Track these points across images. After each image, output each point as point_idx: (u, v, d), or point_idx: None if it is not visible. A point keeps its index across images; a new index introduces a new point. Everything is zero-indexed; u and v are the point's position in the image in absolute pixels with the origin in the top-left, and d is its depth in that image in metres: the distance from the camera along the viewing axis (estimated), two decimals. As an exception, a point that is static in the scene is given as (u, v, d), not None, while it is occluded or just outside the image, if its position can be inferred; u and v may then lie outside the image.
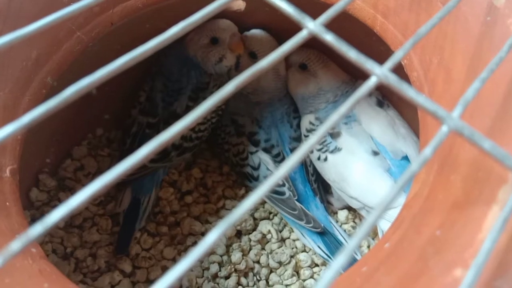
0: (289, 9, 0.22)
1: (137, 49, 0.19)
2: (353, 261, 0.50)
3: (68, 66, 0.43)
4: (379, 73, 0.20)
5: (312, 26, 0.21)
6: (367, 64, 0.20)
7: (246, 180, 0.61)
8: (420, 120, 0.39)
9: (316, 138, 0.19)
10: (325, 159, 0.56)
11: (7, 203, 0.32)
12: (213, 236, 0.16)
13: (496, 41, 0.32)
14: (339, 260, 0.16)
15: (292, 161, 0.18)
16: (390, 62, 0.21)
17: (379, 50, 0.45)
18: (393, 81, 0.20)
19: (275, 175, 0.18)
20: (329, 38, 0.21)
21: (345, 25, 0.40)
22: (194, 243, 0.56)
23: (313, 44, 0.41)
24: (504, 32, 0.32)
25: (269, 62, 0.20)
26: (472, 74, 0.33)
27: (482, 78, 0.22)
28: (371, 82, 0.20)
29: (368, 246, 0.58)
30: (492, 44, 0.32)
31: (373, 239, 0.58)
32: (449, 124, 0.19)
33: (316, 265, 0.57)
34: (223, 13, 0.59)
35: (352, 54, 0.20)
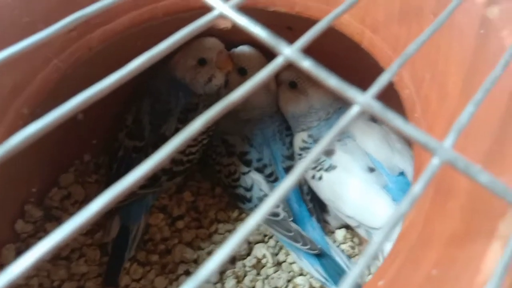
0: (263, 34, 0.20)
1: (122, 69, 0.18)
2: None
3: (47, 94, 0.41)
4: (362, 101, 0.18)
5: (288, 52, 0.20)
6: (349, 92, 0.18)
7: (239, 202, 0.59)
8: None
9: (307, 163, 0.17)
10: (320, 178, 0.54)
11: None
12: (206, 271, 0.15)
13: (490, 54, 0.30)
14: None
15: (286, 185, 0.16)
16: (374, 88, 0.19)
17: (368, 64, 0.43)
18: (378, 109, 0.18)
19: (269, 201, 0.16)
20: (307, 64, 0.19)
21: (330, 39, 0.38)
22: (186, 272, 0.54)
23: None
24: (497, 44, 0.30)
25: (242, 94, 0.19)
26: (468, 87, 0.31)
27: (477, 100, 0.21)
28: (353, 111, 0.18)
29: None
30: (487, 57, 0.30)
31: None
32: (441, 155, 0.17)
33: (315, 289, 0.55)
34: (210, 31, 0.57)
35: (332, 81, 0.19)
